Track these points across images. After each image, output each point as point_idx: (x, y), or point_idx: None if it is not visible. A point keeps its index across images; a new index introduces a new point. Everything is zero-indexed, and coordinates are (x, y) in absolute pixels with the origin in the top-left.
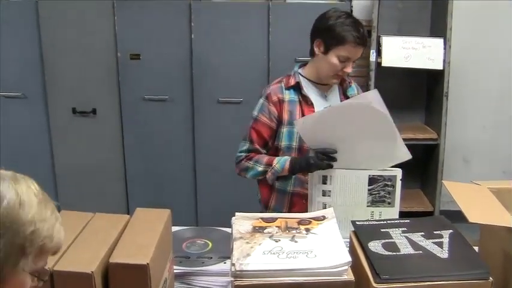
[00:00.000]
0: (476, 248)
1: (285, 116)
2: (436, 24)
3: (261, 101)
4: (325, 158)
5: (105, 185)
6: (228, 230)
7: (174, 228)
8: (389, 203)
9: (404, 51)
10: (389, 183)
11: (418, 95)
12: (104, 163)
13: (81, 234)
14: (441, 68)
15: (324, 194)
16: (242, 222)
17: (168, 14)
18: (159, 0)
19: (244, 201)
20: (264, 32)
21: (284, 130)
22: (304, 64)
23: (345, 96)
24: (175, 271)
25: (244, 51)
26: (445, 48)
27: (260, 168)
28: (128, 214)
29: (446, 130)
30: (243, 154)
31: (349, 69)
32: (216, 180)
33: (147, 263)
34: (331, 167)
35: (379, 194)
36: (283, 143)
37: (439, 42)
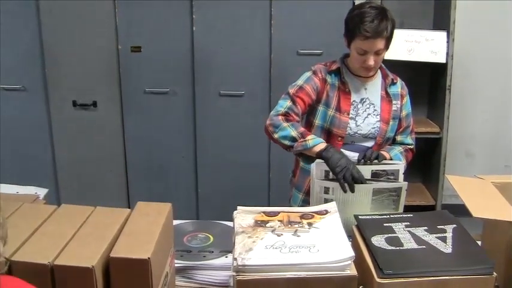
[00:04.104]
0: (478, 243)
1: (324, 96)
2: (439, 17)
3: (308, 73)
4: (350, 181)
5: (105, 178)
6: (230, 223)
7: (175, 222)
8: (393, 209)
9: (407, 45)
10: (394, 193)
11: (420, 89)
12: (104, 156)
13: (82, 229)
14: (444, 61)
15: (327, 191)
16: (244, 216)
17: (169, 6)
18: None
19: (246, 194)
20: (266, 24)
21: (320, 109)
22: (348, 55)
23: (385, 92)
24: (176, 265)
25: (246, 44)
26: (448, 42)
27: (293, 133)
28: (129, 208)
29: (449, 124)
30: (283, 109)
31: (370, 62)
32: (217, 173)
33: (148, 258)
34: (351, 191)
35: (383, 203)
36: (318, 121)
37: (442, 35)
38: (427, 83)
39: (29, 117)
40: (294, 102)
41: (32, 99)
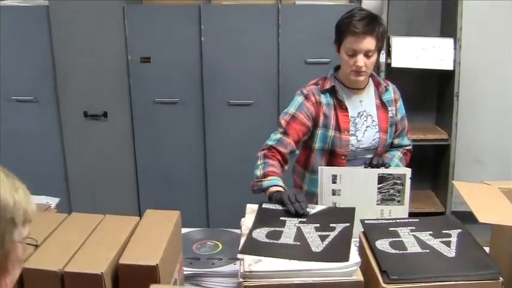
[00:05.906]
0: (487, 249)
1: (321, 119)
2: (446, 24)
3: (299, 99)
4: (297, 206)
5: (116, 188)
6: (238, 231)
7: (185, 230)
8: (398, 201)
9: (414, 52)
10: (398, 181)
11: (428, 96)
12: (115, 166)
13: (92, 236)
14: (451, 68)
15: (334, 193)
16: (252, 217)
17: (178, 17)
18: (169, 4)
19: (256, 203)
20: (274, 34)
21: (319, 132)
22: (339, 67)
23: (380, 100)
24: (185, 272)
25: (254, 54)
26: (455, 49)
27: (258, 173)
28: (139, 216)
29: (457, 131)
30: (269, 143)
31: (359, 63)
32: (226, 182)
33: (157, 264)
34: (298, 215)
35: (388, 192)
36: (317, 144)
37: (449, 42)
38: (435, 90)
39: (41, 128)
40: (285, 133)
41: (43, 110)
